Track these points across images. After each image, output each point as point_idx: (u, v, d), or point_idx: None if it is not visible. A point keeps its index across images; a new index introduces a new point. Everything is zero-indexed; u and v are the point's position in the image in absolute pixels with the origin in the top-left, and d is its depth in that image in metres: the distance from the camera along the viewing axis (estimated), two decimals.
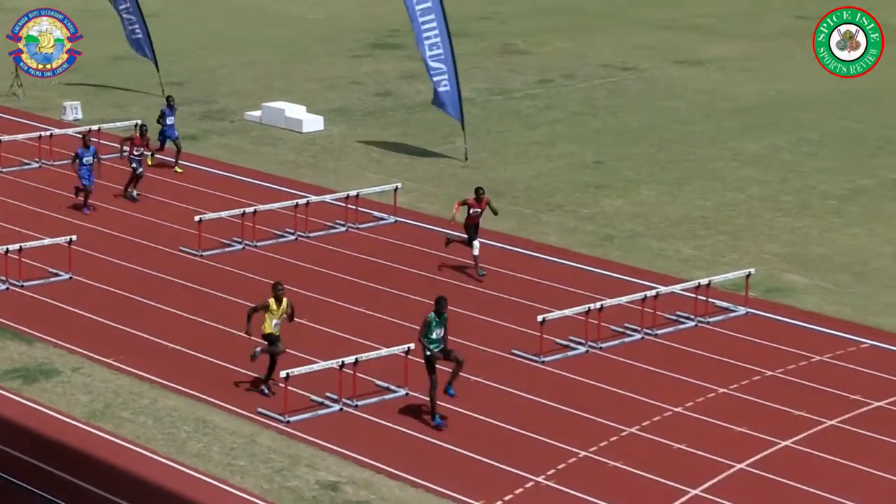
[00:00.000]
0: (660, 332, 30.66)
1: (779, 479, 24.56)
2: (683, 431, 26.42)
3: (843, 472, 25.00)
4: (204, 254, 34.81)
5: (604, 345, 29.82)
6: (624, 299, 30.97)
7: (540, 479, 24.76)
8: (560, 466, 25.14)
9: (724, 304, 31.88)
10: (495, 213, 33.76)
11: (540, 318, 29.50)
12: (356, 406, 27.29)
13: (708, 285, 31.67)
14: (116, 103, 47.81)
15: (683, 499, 24.13)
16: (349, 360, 27.34)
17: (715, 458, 25.01)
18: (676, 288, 31.65)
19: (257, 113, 45.37)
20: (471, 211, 33.06)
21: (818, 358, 29.55)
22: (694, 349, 29.93)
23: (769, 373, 28.82)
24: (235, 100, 47.47)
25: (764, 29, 59.14)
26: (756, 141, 44.18)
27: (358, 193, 37.31)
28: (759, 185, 40.34)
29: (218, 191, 38.54)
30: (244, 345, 28.84)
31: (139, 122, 40.04)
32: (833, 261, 34.81)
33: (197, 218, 35.10)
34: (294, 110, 45.63)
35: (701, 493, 24.08)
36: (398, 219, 37.18)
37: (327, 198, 37.45)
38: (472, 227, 33.20)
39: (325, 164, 40.59)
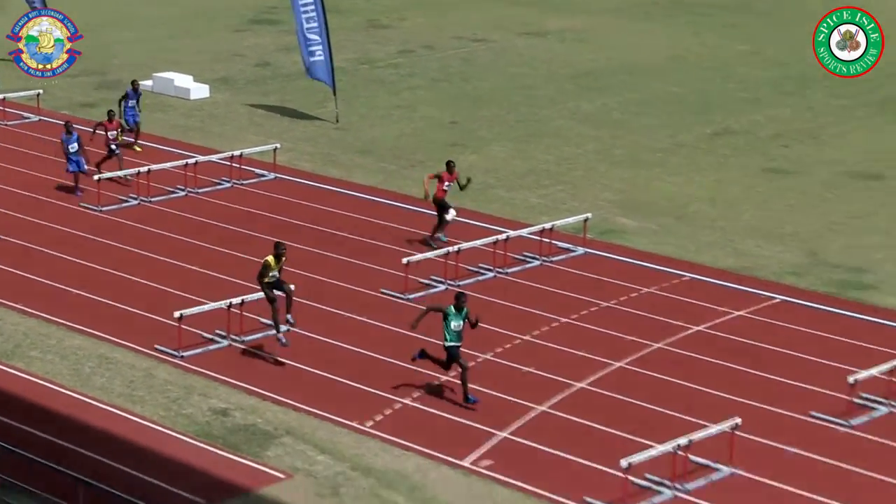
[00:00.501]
0: (510, 270, 30.95)
1: (615, 395, 24.99)
2: (531, 355, 26.76)
3: (669, 387, 25.48)
4: (103, 209, 34.57)
5: (461, 282, 30.04)
6: (478, 242, 31.21)
7: (406, 400, 25.02)
8: (422, 389, 25.41)
9: (566, 245, 32.18)
10: (462, 187, 32.37)
11: (405, 260, 29.69)
12: (243, 341, 27.35)
13: (551, 229, 31.94)
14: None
15: (531, 415, 24.50)
16: (236, 301, 27.40)
17: (559, 378, 25.38)
18: (524, 232, 31.93)
19: (149, 83, 44.89)
20: (445, 185, 31.97)
21: (646, 290, 30.00)
22: (540, 285, 30.24)
23: (604, 304, 29.22)
24: (128, 71, 46.94)
25: (598, 5, 59.42)
26: (591, 102, 44.52)
27: (241, 153, 37.17)
28: (594, 141, 40.69)
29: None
30: (140, 290, 28.90)
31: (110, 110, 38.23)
32: (658, 206, 35.25)
33: (96, 177, 34.84)
34: (182, 80, 45.26)
35: (547, 409, 24.44)
36: (277, 175, 37.09)
37: (214, 157, 37.25)
38: (441, 200, 31.96)
39: (212, 127, 40.40)
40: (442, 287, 29.87)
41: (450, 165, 32.14)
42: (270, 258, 26.09)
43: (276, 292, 26.19)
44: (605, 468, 22.53)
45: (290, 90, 45.00)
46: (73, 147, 35.41)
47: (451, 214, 31.88)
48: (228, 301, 27.49)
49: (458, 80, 47.18)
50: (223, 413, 24.79)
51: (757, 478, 22.65)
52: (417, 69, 48.66)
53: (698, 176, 37.68)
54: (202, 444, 23.74)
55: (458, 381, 24.76)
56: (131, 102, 39.36)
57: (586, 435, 23.62)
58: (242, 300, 27.54)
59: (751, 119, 42.67)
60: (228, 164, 37.02)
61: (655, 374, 26.02)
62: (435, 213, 32.11)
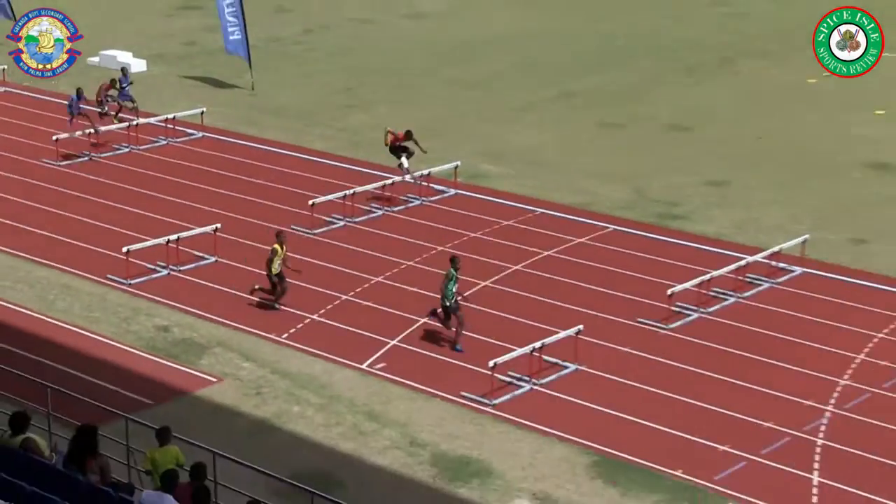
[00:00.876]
0: (395, 209, 30.85)
1: (483, 308, 25.04)
2: (416, 278, 26.78)
3: (525, 302, 25.65)
4: (61, 164, 33.91)
5: (357, 219, 29.95)
6: (369, 187, 31.10)
7: (314, 316, 25.01)
8: (327, 306, 25.35)
9: (440, 188, 32.11)
10: (423, 150, 31.54)
11: (311, 201, 29.51)
12: (180, 270, 27.08)
13: (428, 174, 31.88)
14: None
15: (415, 326, 24.55)
16: (174, 237, 27.15)
17: (434, 294, 25.39)
18: (407, 177, 31.81)
19: (96, 59, 43.96)
20: (397, 143, 31.15)
21: (506, 222, 30.04)
22: (419, 220, 30.19)
23: (473, 234, 29.26)
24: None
25: None
26: (459, 70, 44.32)
27: (174, 116, 36.57)
28: (461, 103, 40.51)
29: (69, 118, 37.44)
30: (94, 230, 28.49)
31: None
32: (515, 154, 35.18)
33: (54, 137, 34.16)
34: (124, 56, 44.27)
35: (429, 321, 24.46)
36: (205, 134, 36.53)
37: (152, 120, 36.57)
38: (397, 147, 31.20)
39: (149, 95, 39.60)
40: (340, 223, 29.72)
41: (408, 133, 31.28)
42: (277, 246, 24.87)
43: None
44: (476, 368, 22.67)
45: (214, 64, 44.29)
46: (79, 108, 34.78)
47: (404, 163, 31.28)
48: (167, 238, 27.21)
49: (351, 54, 46.75)
50: (165, 329, 24.61)
51: (596, 372, 22.96)
52: (317, 45, 48.14)
53: (547, 130, 37.71)
54: (148, 355, 23.62)
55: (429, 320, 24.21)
56: (125, 86, 37.12)
57: (464, 341, 23.67)
58: (178, 237, 27.28)
59: (588, 82, 42.77)
60: (164, 125, 36.43)
61: (515, 291, 26.16)
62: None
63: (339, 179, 32.31)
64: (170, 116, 36.62)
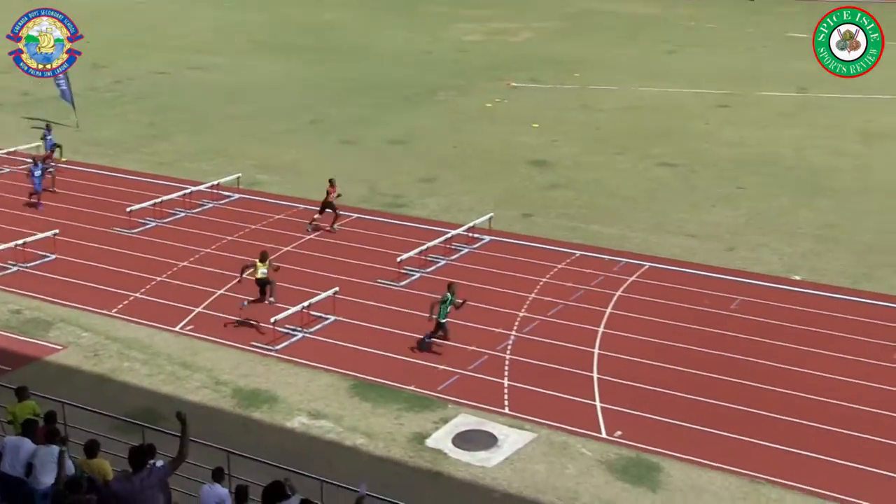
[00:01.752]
0: (193, 211, 29.77)
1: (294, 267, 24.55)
2: (213, 261, 25.96)
3: (291, 273, 25.18)
4: None
5: (165, 220, 28.84)
6: (174, 195, 29.95)
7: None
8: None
9: (227, 193, 31.18)
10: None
11: (129, 208, 28.24)
12: (28, 267, 25.49)
13: (218, 184, 30.98)
14: None
15: (215, 295, 23.84)
16: (20, 242, 25.52)
17: (228, 272, 24.67)
18: (202, 187, 30.78)
19: None
20: (333, 196, 27.29)
21: (278, 216, 29.46)
22: (213, 218, 29.26)
23: (254, 226, 28.62)
24: None
25: (233, 48, 57.53)
26: (238, 108, 43.26)
27: (16, 149, 34.33)
28: (241, 130, 39.47)
29: None
30: None
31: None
32: (281, 167, 34.55)
33: None
34: None
35: (224, 292, 23.77)
36: (39, 163, 34.41)
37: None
38: (329, 203, 27.32)
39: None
40: (152, 224, 28.56)
41: (331, 181, 27.74)
42: (257, 261, 22.08)
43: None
44: (262, 323, 22.24)
45: (49, 109, 41.71)
46: (38, 173, 28.27)
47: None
48: (14, 242, 25.58)
49: (151, 97, 44.91)
50: (17, 312, 23.14)
51: (349, 321, 22.86)
52: (125, 92, 46.01)
53: (302, 148, 37.22)
54: (4, 333, 22.09)
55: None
56: (49, 136, 32.74)
57: (250, 305, 23.19)
58: (24, 241, 25.64)
59: (330, 113, 42.47)
60: (8, 156, 34.15)
61: (288, 266, 25.71)
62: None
63: (150, 191, 31.01)
64: (11, 149, 34.38)
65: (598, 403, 19.29)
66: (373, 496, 13.32)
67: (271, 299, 22.09)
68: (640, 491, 16.73)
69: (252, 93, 46.14)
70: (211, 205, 30.44)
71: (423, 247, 26.04)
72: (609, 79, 48.61)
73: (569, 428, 18.47)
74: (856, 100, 44.06)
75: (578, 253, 26.73)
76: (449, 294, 21.04)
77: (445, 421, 18.74)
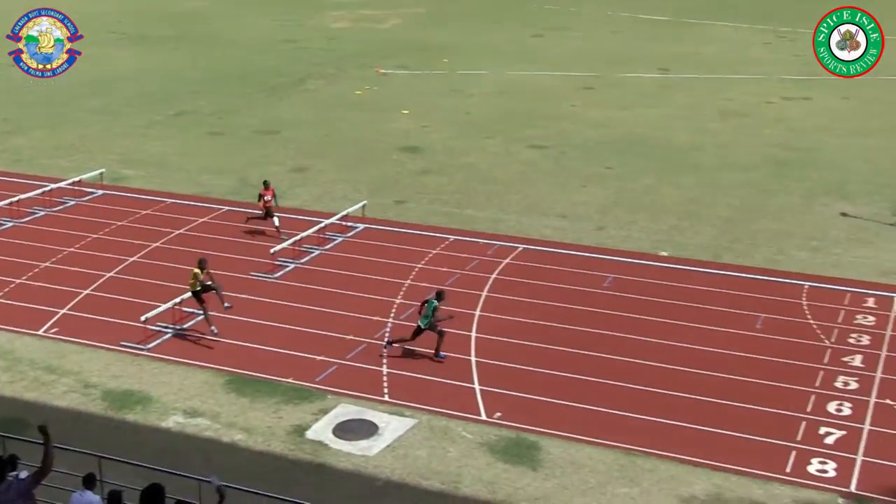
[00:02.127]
0: (54, 209, 28.69)
1: (134, 278, 23.81)
2: (78, 260, 25.05)
3: (164, 270, 24.53)
4: None
5: (23, 220, 27.63)
6: (34, 193, 28.72)
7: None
8: (7, 289, 23.32)
9: (90, 190, 30.09)
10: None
11: (6, 201, 27.08)
12: None
13: (80, 181, 29.92)
14: None
15: (80, 296, 23.00)
16: None
17: (91, 270, 23.91)
18: (63, 184, 29.57)
19: None
20: (267, 198, 26.22)
21: (146, 212, 28.64)
22: (76, 216, 28.22)
23: (120, 223, 27.73)
24: None
25: (93, 38, 55.56)
26: (99, 101, 41.71)
27: None
28: (102, 124, 38.12)
29: None
30: None
31: None
32: (146, 161, 33.57)
33: None
34: None
35: (90, 292, 22.97)
36: None
37: None
38: (267, 210, 26.29)
39: None
40: (9, 224, 27.35)
41: (266, 183, 26.61)
42: (196, 270, 20.94)
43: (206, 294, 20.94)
44: (132, 323, 21.58)
45: None
46: None
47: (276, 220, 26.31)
48: None
49: (4, 92, 43.02)
50: None
51: (225, 315, 22.35)
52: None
53: (167, 141, 36.28)
54: None
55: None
56: None
57: (120, 304, 22.48)
58: None
59: (195, 104, 41.48)
60: None
61: (156, 262, 25.07)
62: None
63: (5, 190, 29.69)
64: None
65: (476, 386, 19.45)
66: (232, 487, 12.95)
67: (226, 305, 21.02)
68: (521, 470, 16.95)
69: (114, 85, 44.68)
70: (73, 202, 29.34)
71: (297, 237, 25.71)
72: (477, 64, 48.98)
73: (449, 412, 18.56)
74: (715, 79, 45.62)
75: (452, 237, 26.86)
76: (434, 300, 20.09)
77: (325, 412, 18.57)
